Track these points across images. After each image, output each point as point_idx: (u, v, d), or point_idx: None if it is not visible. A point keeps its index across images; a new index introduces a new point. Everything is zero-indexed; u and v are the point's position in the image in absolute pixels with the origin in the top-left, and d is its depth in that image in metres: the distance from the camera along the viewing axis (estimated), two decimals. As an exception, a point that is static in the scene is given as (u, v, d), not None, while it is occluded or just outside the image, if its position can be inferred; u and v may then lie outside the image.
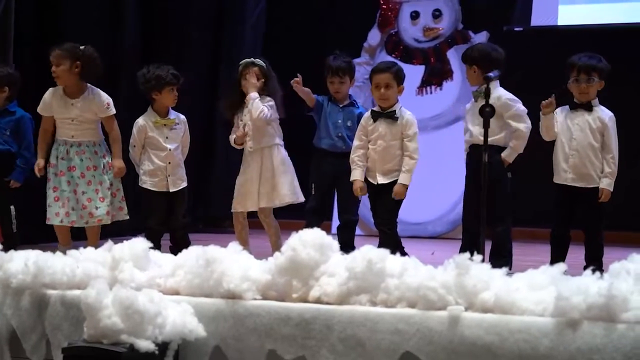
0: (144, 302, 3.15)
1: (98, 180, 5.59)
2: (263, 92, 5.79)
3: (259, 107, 5.67)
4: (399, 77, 5.52)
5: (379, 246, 3.36)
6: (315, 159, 5.90)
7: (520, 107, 5.29)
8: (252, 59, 5.91)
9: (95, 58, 5.64)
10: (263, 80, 5.80)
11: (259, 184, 5.77)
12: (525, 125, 5.26)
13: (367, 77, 8.90)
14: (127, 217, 5.77)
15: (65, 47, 5.58)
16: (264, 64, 5.84)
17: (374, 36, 9.08)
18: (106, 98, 5.67)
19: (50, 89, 5.68)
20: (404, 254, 3.70)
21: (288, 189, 5.77)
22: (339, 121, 5.83)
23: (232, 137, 5.89)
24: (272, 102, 5.78)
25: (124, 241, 3.68)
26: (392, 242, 5.19)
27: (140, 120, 5.86)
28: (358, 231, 8.23)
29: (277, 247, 5.36)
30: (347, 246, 4.83)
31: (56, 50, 5.57)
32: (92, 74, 5.65)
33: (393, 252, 3.42)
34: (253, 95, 5.73)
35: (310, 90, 5.90)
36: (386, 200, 5.51)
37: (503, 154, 5.23)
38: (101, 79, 5.77)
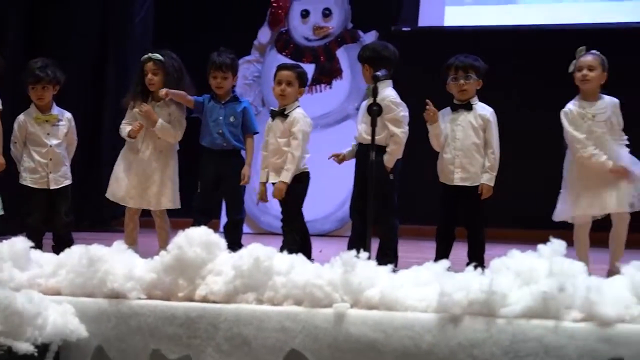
0: (23, 303, 3.07)
1: None
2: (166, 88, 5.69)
3: (168, 135, 5.71)
4: (302, 79, 5.61)
5: (281, 246, 3.36)
6: (201, 158, 5.85)
7: (400, 112, 5.31)
8: (150, 53, 5.80)
9: None
10: (161, 75, 5.70)
11: (151, 184, 5.71)
12: (401, 131, 5.29)
13: (257, 74, 8.99)
14: (2, 213, 5.54)
15: None
16: (160, 58, 5.73)
17: (265, 34, 9.09)
18: None
19: None
20: (302, 251, 3.65)
21: (170, 196, 5.74)
22: (220, 118, 5.74)
23: (126, 128, 5.74)
24: (176, 113, 5.75)
25: (4, 240, 3.58)
26: (291, 241, 5.21)
27: (21, 117, 5.76)
28: (247, 229, 8.25)
29: (165, 245, 5.29)
30: (235, 245, 4.79)
31: None
32: None
33: (295, 250, 3.47)
34: (158, 126, 5.68)
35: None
36: (282, 202, 5.54)
37: (384, 159, 5.25)
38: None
